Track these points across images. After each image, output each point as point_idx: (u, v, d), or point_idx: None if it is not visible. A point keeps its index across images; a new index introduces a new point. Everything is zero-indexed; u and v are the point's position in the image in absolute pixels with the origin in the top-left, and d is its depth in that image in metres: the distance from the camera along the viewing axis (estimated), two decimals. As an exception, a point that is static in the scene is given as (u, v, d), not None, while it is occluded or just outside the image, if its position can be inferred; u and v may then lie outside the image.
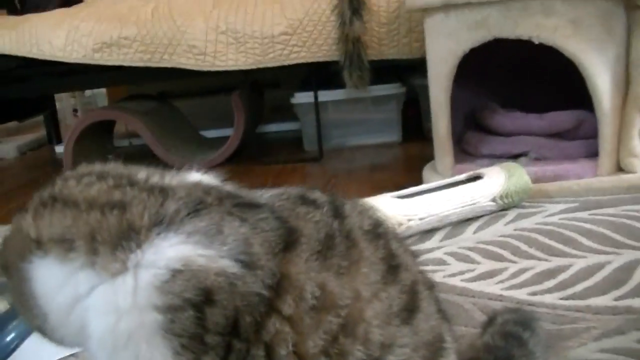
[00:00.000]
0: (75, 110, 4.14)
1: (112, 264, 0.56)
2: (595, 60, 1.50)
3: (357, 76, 2.12)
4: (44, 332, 0.62)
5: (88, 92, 4.04)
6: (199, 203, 0.58)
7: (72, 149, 2.50)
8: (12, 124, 3.92)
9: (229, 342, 0.56)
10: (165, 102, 2.75)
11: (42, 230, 0.59)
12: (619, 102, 1.55)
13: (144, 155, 2.57)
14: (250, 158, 2.44)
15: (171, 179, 0.62)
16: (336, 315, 0.57)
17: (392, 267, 0.61)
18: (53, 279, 0.58)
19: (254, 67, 2.14)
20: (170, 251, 0.56)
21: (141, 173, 0.62)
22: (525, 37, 1.50)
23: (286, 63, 2.15)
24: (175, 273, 0.55)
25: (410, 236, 1.34)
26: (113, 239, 0.56)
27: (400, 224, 1.31)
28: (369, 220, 0.64)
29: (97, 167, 0.63)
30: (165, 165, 0.64)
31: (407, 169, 2.04)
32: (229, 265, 0.55)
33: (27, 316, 0.63)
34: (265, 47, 2.13)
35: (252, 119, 2.55)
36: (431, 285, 0.66)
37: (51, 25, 2.27)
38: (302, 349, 0.56)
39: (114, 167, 0.63)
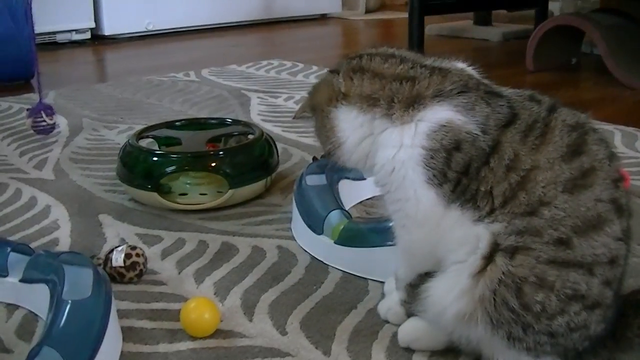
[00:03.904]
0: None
1: (403, 117, 0.90)
2: None
3: None
4: (333, 155, 0.99)
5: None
6: (464, 85, 0.90)
7: (535, 44, 2.84)
8: (504, 13, 4.31)
9: (459, 179, 0.88)
10: (633, 21, 2.89)
11: (351, 88, 0.95)
12: None
13: (598, 65, 2.80)
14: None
15: (448, 64, 0.94)
16: (517, 175, 0.85)
17: (574, 152, 0.84)
18: (354, 121, 0.94)
19: None
20: (441, 113, 0.88)
21: (429, 59, 0.95)
22: None
23: None
24: (441, 127, 0.87)
25: None
26: (407, 102, 0.90)
27: None
28: (574, 118, 0.88)
29: (394, 50, 0.98)
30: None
31: None
32: (474, 129, 0.87)
33: (324, 143, 1.00)
34: None
35: None
36: (617, 179, 0.85)
37: None
38: (493, 190, 0.86)
39: (408, 53, 0.97)
